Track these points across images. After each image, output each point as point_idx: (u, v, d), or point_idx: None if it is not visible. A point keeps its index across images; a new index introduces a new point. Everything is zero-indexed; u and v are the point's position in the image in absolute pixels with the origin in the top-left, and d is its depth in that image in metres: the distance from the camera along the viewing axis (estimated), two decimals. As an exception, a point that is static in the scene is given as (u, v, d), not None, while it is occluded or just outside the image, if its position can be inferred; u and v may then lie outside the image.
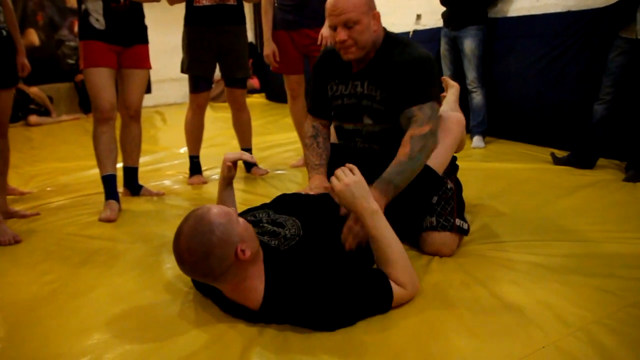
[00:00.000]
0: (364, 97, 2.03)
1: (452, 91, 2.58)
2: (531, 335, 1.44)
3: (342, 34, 1.88)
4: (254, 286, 1.49)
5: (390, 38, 2.01)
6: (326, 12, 1.93)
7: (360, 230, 1.68)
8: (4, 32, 2.53)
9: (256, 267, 1.50)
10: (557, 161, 3.33)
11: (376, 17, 1.93)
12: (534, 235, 2.18)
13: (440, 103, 1.97)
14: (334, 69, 2.10)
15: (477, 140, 3.99)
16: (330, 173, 2.01)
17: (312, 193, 1.98)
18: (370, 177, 1.73)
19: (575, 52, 3.61)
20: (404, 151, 1.83)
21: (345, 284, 1.51)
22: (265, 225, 1.73)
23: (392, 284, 1.56)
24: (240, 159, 1.95)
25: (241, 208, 2.28)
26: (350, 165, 1.66)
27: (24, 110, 6.57)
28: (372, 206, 1.61)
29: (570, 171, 3.17)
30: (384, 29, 2.02)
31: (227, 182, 2.00)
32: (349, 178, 1.61)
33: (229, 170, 1.95)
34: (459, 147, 2.27)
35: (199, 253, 1.40)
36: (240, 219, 1.50)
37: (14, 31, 2.68)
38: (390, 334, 1.47)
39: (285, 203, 1.92)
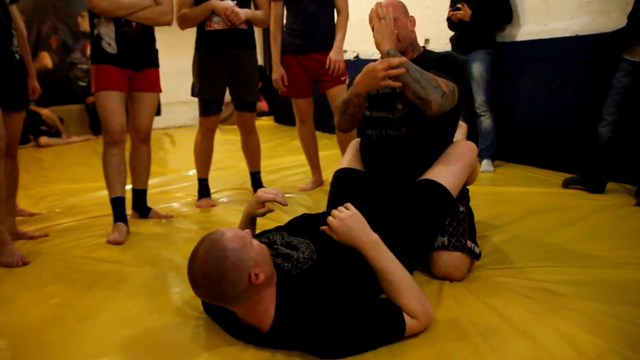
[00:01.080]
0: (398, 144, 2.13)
1: (460, 130, 2.59)
2: (545, 365, 1.40)
3: None
4: (266, 309, 1.48)
5: (429, 50, 2.30)
6: (370, 14, 2.17)
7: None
8: (17, 56, 2.57)
9: (270, 289, 1.49)
10: (568, 183, 3.30)
11: (412, 21, 2.25)
12: (545, 261, 2.15)
13: (459, 93, 2.06)
14: None
15: (486, 164, 3.98)
16: (366, 161, 2.28)
17: None
18: (404, 165, 2.10)
19: (584, 76, 3.61)
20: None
21: (356, 312, 1.49)
22: (279, 247, 1.72)
23: (405, 316, 1.52)
24: (274, 201, 1.91)
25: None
26: (346, 204, 1.73)
27: (35, 131, 6.64)
28: (372, 238, 1.63)
29: (580, 195, 3.14)
30: (424, 47, 2.30)
31: (251, 218, 1.99)
32: (343, 214, 1.67)
33: (259, 208, 1.93)
34: (471, 177, 2.28)
35: (212, 278, 1.40)
36: (255, 242, 1.50)
37: (26, 55, 2.73)
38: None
39: (300, 225, 1.91)
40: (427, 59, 2.19)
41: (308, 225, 1.88)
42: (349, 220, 1.65)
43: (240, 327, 1.55)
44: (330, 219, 1.69)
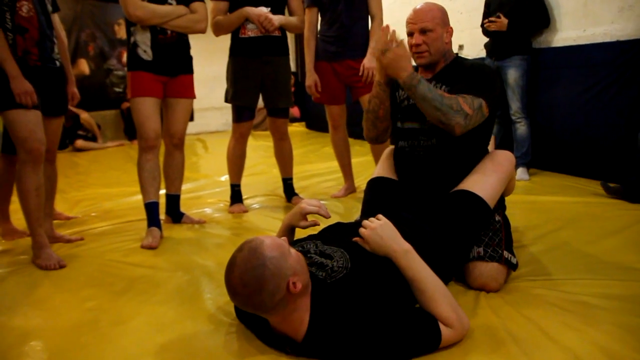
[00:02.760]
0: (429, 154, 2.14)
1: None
2: (588, 382, 1.35)
3: (417, 39, 2.10)
4: (301, 318, 1.46)
5: (461, 57, 2.22)
6: (406, 21, 2.15)
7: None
8: (58, 63, 2.63)
9: (305, 298, 1.48)
10: (609, 191, 3.20)
11: (449, 32, 2.15)
12: (585, 273, 2.08)
13: (489, 107, 2.03)
14: None
15: (521, 172, 3.89)
16: (399, 173, 2.27)
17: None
18: (436, 175, 2.09)
19: (624, 83, 3.50)
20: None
21: (391, 322, 1.47)
22: (313, 256, 1.70)
23: (440, 325, 1.49)
24: (317, 213, 1.90)
25: (282, 238, 2.27)
26: (378, 215, 1.72)
27: (72, 134, 6.79)
28: (404, 247, 1.61)
29: (621, 205, 3.05)
30: (456, 54, 2.22)
31: (291, 228, 1.99)
32: (374, 223, 1.66)
33: (302, 221, 1.93)
34: (509, 188, 2.22)
35: (252, 286, 1.39)
36: (293, 250, 1.49)
37: (66, 62, 2.79)
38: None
39: (334, 234, 1.88)
40: (457, 69, 2.15)
41: (341, 234, 1.87)
42: (380, 229, 1.64)
43: (273, 336, 1.54)
44: (362, 229, 1.68)
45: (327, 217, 1.91)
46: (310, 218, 1.95)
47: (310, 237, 1.89)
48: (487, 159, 2.11)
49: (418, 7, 2.14)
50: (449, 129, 1.94)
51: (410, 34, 2.15)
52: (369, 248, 1.65)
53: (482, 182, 2.01)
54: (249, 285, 1.39)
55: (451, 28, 2.17)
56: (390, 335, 1.44)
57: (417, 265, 1.58)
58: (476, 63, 2.20)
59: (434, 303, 1.52)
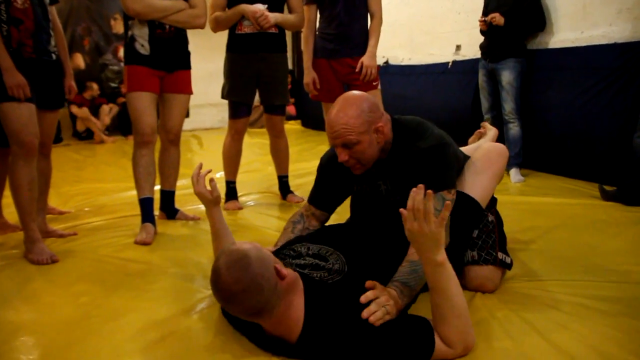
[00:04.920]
0: (390, 194, 1.92)
1: (490, 134, 2.53)
2: (584, 383, 1.35)
3: (342, 155, 1.77)
4: (294, 318, 1.44)
5: (400, 129, 1.86)
6: (326, 129, 1.81)
7: (389, 304, 1.48)
8: (54, 56, 2.60)
9: (297, 297, 1.46)
10: (605, 196, 3.20)
11: (380, 130, 1.77)
12: (580, 274, 2.08)
13: (455, 187, 1.83)
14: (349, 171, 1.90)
15: (514, 174, 3.89)
16: (367, 205, 1.99)
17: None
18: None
19: (622, 86, 3.50)
20: (412, 249, 1.60)
21: (386, 327, 1.43)
22: (307, 258, 1.68)
23: (437, 338, 1.43)
24: (208, 177, 1.95)
25: (276, 236, 2.26)
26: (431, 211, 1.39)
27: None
28: (439, 258, 1.41)
29: (617, 207, 3.05)
30: (392, 118, 1.88)
31: (215, 204, 1.99)
32: (428, 227, 1.37)
33: (212, 193, 1.96)
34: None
35: (244, 280, 1.36)
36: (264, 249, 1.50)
37: (64, 55, 2.76)
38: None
39: (326, 236, 1.86)
40: (397, 159, 1.84)
41: (332, 235, 1.84)
42: (428, 237, 1.38)
43: (266, 340, 1.51)
44: (411, 217, 1.39)
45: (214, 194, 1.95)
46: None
47: (299, 239, 1.87)
48: (479, 155, 2.06)
49: (332, 114, 1.75)
50: None
51: (334, 146, 1.84)
52: (407, 233, 1.44)
53: (474, 182, 1.97)
54: (240, 280, 1.36)
55: (381, 125, 1.77)
56: (385, 339, 1.41)
57: (444, 279, 1.43)
58: (417, 150, 1.80)
59: (443, 319, 1.44)
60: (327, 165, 2.09)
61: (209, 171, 1.98)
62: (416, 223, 1.39)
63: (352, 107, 1.74)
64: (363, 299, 1.47)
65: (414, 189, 1.39)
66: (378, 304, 1.46)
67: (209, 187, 1.96)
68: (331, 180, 2.07)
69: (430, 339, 1.44)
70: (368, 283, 1.53)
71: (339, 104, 1.77)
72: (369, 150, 1.78)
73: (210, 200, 1.95)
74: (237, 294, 1.38)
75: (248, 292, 1.38)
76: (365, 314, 1.43)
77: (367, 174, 1.91)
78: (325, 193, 2.11)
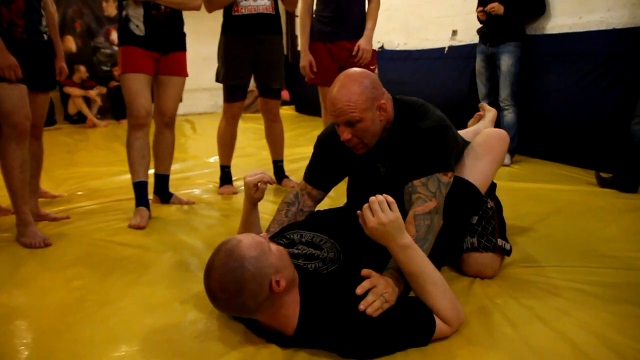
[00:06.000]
0: (388, 178, 1.89)
1: (489, 115, 2.50)
2: (585, 369, 1.34)
3: (344, 134, 1.73)
4: (289, 313, 1.41)
5: (401, 109, 1.82)
6: (328, 107, 1.76)
7: (387, 292, 1.46)
8: (46, 37, 2.54)
9: (292, 294, 1.42)
10: (601, 183, 3.20)
11: (382, 107, 1.73)
12: (578, 261, 2.07)
13: (453, 170, 1.78)
14: (348, 149, 1.86)
15: (505, 159, 3.88)
16: (363, 189, 1.93)
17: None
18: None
19: (619, 72, 3.49)
20: (410, 234, 1.56)
21: (385, 314, 1.41)
22: (300, 247, 1.65)
23: (435, 318, 1.45)
24: (260, 181, 1.80)
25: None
26: (390, 199, 1.45)
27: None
28: (405, 241, 1.45)
29: (613, 194, 3.05)
30: (393, 98, 1.84)
31: (253, 203, 1.89)
32: (386, 216, 1.42)
33: (254, 192, 1.82)
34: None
35: (231, 290, 1.32)
36: (274, 246, 1.42)
37: (55, 36, 2.70)
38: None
39: (320, 222, 1.82)
40: (397, 139, 1.80)
41: (329, 222, 1.81)
42: (389, 226, 1.42)
43: (263, 331, 1.49)
44: (368, 214, 1.45)
45: (271, 183, 1.81)
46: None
47: (295, 226, 1.83)
48: (479, 140, 2.03)
49: (334, 91, 1.70)
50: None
51: (335, 124, 1.79)
52: (367, 232, 1.51)
53: (474, 168, 1.95)
54: (228, 290, 1.32)
55: (384, 102, 1.73)
56: (384, 325, 1.40)
57: (416, 260, 1.47)
58: (416, 131, 1.75)
59: (433, 299, 1.46)
60: (325, 142, 2.03)
61: (270, 182, 1.82)
62: (374, 217, 1.43)
63: (355, 83, 1.69)
64: (359, 290, 1.43)
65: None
66: (375, 294, 1.43)
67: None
68: (329, 157, 2.02)
69: (430, 320, 1.44)
70: (364, 272, 1.50)
71: (341, 81, 1.71)
72: (371, 128, 1.73)
73: (249, 196, 1.86)
74: (222, 299, 1.35)
75: (232, 301, 1.34)
76: (362, 306, 1.40)
77: (366, 155, 1.87)
78: (322, 171, 2.05)
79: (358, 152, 1.82)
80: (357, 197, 2.02)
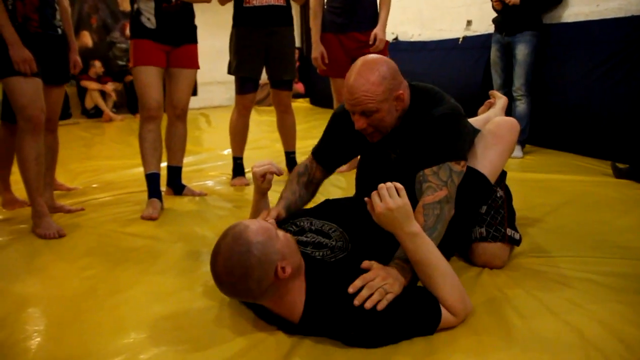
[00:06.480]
0: (398, 164, 1.86)
1: (500, 102, 2.47)
2: None
3: (359, 122, 1.70)
4: (295, 300, 1.42)
5: (416, 96, 1.79)
6: (344, 94, 1.72)
7: (387, 282, 1.45)
8: (60, 31, 2.57)
9: (298, 280, 1.43)
10: (617, 173, 3.15)
11: (400, 97, 1.70)
12: (590, 251, 2.05)
13: (466, 159, 1.76)
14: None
15: (516, 150, 3.83)
16: (372, 178, 1.88)
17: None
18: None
19: (637, 60, 3.42)
20: (419, 222, 1.55)
21: (391, 304, 1.41)
22: (309, 234, 1.65)
23: (441, 307, 1.44)
24: (268, 172, 1.79)
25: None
26: (398, 185, 1.46)
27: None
28: (413, 229, 1.45)
29: (629, 185, 3.00)
30: (410, 85, 1.80)
31: (262, 194, 1.88)
32: (394, 202, 1.42)
33: (262, 183, 1.81)
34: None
35: (237, 274, 1.33)
36: (281, 233, 1.43)
37: (69, 30, 2.73)
38: (435, 356, 1.37)
39: (330, 211, 1.82)
40: (410, 126, 1.77)
41: (338, 211, 1.81)
42: (397, 212, 1.42)
43: (270, 315, 1.50)
44: (375, 199, 1.45)
45: (279, 174, 1.79)
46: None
47: (305, 213, 1.83)
48: (490, 128, 2.00)
49: (352, 79, 1.66)
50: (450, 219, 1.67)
51: (350, 112, 1.74)
52: (375, 219, 1.50)
53: (483, 158, 1.92)
54: (233, 274, 1.33)
55: (401, 93, 1.70)
56: (389, 315, 1.39)
57: (424, 249, 1.47)
58: (429, 118, 1.73)
59: (440, 289, 1.45)
60: (340, 119, 1.96)
61: (277, 173, 1.81)
62: (382, 203, 1.43)
63: (374, 72, 1.64)
64: (351, 289, 1.41)
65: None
66: (370, 288, 1.41)
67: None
68: (340, 135, 1.97)
69: (437, 310, 1.43)
70: (364, 264, 1.49)
71: (359, 68, 1.67)
72: (387, 118, 1.71)
73: (257, 186, 1.86)
74: (227, 283, 1.36)
75: (238, 286, 1.35)
76: (356, 301, 1.38)
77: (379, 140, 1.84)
78: (331, 148, 2.01)
79: (373, 140, 1.80)
80: (365, 184, 2.00)
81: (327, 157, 2.02)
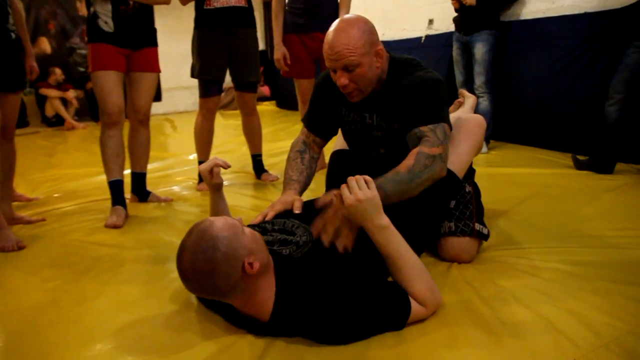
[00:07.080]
0: (374, 129, 1.90)
1: (469, 101, 2.50)
2: (562, 347, 1.34)
3: (342, 79, 1.71)
4: (264, 298, 1.40)
5: (396, 63, 1.82)
6: (323, 54, 1.74)
7: (344, 226, 1.50)
8: (13, 35, 2.49)
9: (267, 278, 1.41)
10: (578, 165, 3.22)
11: (379, 53, 1.73)
12: (557, 241, 2.08)
13: (451, 127, 1.82)
14: (341, 93, 1.86)
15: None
16: (341, 177, 1.87)
17: (272, 213, 1.76)
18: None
19: (592, 55, 3.52)
20: (406, 163, 1.63)
21: (360, 296, 1.41)
22: (274, 233, 1.63)
23: (411, 301, 1.45)
24: (214, 166, 1.77)
25: (251, 214, 2.22)
26: (367, 178, 1.49)
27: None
28: (383, 222, 1.47)
29: (590, 176, 3.07)
30: (389, 54, 1.84)
31: (216, 190, 1.88)
32: (363, 193, 1.45)
33: (211, 179, 1.81)
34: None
35: (203, 271, 1.30)
36: (247, 229, 1.41)
37: (23, 34, 2.65)
38: (406, 349, 1.37)
39: (290, 210, 1.79)
40: (392, 90, 1.80)
41: (303, 213, 1.78)
42: (366, 203, 1.44)
43: (239, 317, 1.47)
44: (345, 192, 1.46)
45: (225, 166, 1.77)
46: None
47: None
48: (458, 125, 2.03)
49: (331, 35, 1.68)
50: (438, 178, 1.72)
51: (332, 70, 1.76)
52: (345, 213, 1.51)
53: (451, 153, 1.93)
54: (200, 270, 1.30)
55: (381, 48, 1.73)
56: (359, 310, 1.39)
57: (393, 241, 1.48)
58: (417, 80, 1.76)
59: (409, 281, 1.46)
60: (322, 85, 1.99)
61: (223, 166, 1.79)
62: (351, 194, 1.45)
63: (354, 27, 1.66)
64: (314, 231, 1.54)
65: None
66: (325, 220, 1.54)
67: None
68: (326, 101, 1.99)
69: (406, 303, 1.44)
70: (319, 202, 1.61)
71: (338, 24, 1.69)
72: (368, 73, 1.71)
73: (210, 184, 1.85)
74: (193, 279, 1.34)
75: (204, 282, 1.33)
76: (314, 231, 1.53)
77: (357, 103, 1.85)
78: (321, 115, 2.03)
79: (353, 99, 1.80)
80: (336, 179, 2.02)
81: (320, 124, 2.05)
